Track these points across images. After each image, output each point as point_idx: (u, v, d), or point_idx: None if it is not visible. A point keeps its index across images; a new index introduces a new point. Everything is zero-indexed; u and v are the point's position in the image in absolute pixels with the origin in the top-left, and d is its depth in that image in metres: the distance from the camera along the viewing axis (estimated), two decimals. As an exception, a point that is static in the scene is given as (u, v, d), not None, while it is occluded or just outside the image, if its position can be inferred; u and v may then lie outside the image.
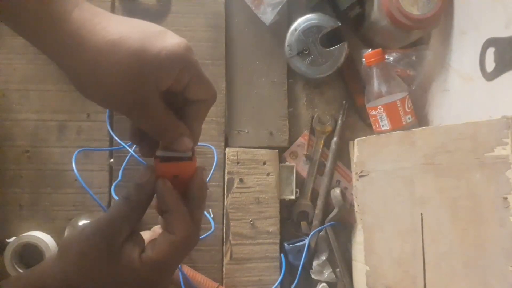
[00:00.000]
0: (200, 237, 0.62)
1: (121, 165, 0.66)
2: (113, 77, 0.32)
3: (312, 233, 0.69)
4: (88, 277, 0.33)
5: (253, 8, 0.69)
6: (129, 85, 0.32)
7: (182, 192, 0.37)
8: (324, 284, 0.68)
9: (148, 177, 0.36)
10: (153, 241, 0.36)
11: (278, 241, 0.68)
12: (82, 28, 0.32)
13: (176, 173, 0.37)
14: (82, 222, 0.62)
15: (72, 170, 0.66)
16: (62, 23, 0.32)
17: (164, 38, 0.34)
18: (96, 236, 0.34)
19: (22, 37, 0.33)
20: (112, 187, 0.64)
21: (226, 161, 0.69)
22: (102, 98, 0.34)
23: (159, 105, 0.34)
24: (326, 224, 0.69)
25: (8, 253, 0.61)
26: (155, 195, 0.37)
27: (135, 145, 0.65)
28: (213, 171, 0.66)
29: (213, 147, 0.67)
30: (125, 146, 0.64)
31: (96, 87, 0.33)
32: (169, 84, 0.34)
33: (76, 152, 0.61)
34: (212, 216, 0.67)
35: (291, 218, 0.72)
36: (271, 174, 0.69)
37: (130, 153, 0.64)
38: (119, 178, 0.65)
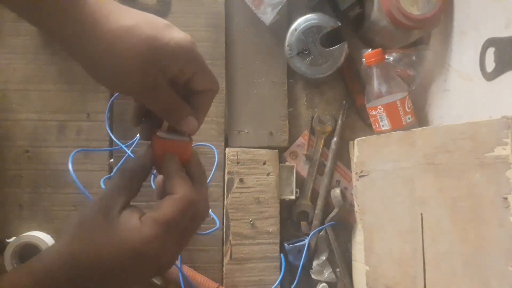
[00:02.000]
0: (205, 232, 0.62)
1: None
2: (127, 60, 0.34)
3: (312, 233, 0.69)
4: (90, 246, 0.34)
5: (253, 8, 0.69)
6: (141, 69, 0.35)
7: None
8: (324, 284, 0.68)
9: (145, 151, 0.39)
10: (154, 205, 0.36)
11: (278, 241, 0.68)
12: (99, 12, 0.34)
13: (172, 150, 0.38)
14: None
15: (73, 170, 0.66)
16: (81, 7, 0.34)
17: (171, 31, 0.37)
18: (92, 208, 0.35)
19: (35, 23, 0.35)
20: (101, 181, 0.64)
21: (226, 161, 0.69)
22: (115, 81, 0.36)
23: (167, 88, 0.37)
24: (326, 224, 0.69)
25: (8, 253, 0.61)
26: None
27: (132, 146, 0.65)
28: (214, 170, 0.66)
29: (214, 147, 0.67)
30: (123, 146, 0.64)
31: (110, 70, 0.35)
32: (175, 73, 0.37)
33: (73, 153, 0.61)
34: (212, 216, 0.67)
35: (291, 218, 0.72)
36: (271, 174, 0.69)
37: (127, 154, 0.64)
38: (112, 174, 0.66)
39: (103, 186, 0.63)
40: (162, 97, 0.37)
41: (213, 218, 0.67)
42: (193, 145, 0.40)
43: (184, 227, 0.36)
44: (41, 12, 0.34)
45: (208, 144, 0.68)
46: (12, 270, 0.36)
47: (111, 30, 0.34)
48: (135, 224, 0.34)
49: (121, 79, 0.36)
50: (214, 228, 0.64)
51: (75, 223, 0.35)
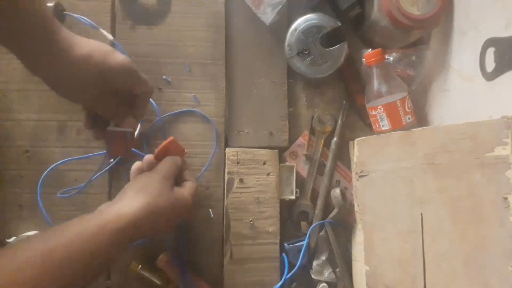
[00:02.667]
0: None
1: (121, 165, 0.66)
2: (85, 78, 0.49)
3: (311, 227, 0.69)
4: (163, 201, 0.52)
5: (253, 8, 0.69)
6: (95, 84, 0.50)
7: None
8: (324, 284, 0.68)
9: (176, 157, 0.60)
10: (182, 185, 0.58)
11: (278, 241, 0.68)
12: (67, 44, 0.47)
13: (120, 139, 0.58)
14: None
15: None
16: (53, 41, 0.46)
17: (116, 55, 0.51)
18: (155, 179, 0.53)
19: (12, 49, 0.46)
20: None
21: (226, 161, 0.69)
22: (75, 94, 0.51)
23: (112, 98, 0.54)
24: (325, 220, 0.69)
25: (8, 253, 0.61)
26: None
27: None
28: (210, 159, 0.66)
29: (212, 121, 0.67)
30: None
31: (72, 86, 0.49)
32: (119, 85, 0.53)
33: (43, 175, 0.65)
34: (212, 216, 0.67)
35: (291, 218, 0.72)
36: (271, 174, 0.69)
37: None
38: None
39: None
40: (109, 104, 0.54)
41: (212, 217, 0.67)
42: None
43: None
44: (20, 44, 0.45)
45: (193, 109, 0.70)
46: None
47: (75, 57, 0.47)
48: (185, 193, 0.56)
49: (80, 92, 0.50)
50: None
51: (141, 187, 0.52)
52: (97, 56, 0.49)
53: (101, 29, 0.67)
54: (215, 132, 0.68)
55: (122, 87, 0.53)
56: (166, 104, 0.68)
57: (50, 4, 0.64)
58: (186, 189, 0.56)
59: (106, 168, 0.66)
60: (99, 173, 0.66)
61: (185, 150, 0.61)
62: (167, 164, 0.56)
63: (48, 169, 0.65)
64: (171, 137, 0.59)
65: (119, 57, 0.51)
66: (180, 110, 0.69)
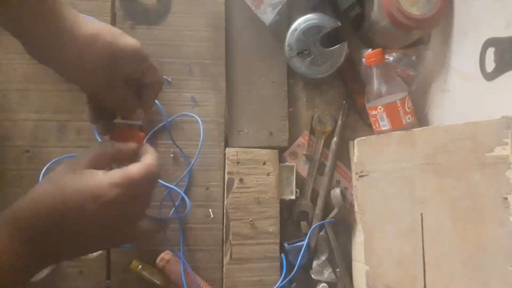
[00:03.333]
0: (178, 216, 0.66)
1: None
2: (94, 60, 0.43)
3: (311, 228, 0.69)
4: (56, 191, 0.40)
5: (253, 8, 0.69)
6: (103, 68, 0.44)
7: None
8: (324, 284, 0.68)
9: (109, 141, 0.49)
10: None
11: (278, 241, 0.68)
12: (73, 22, 0.42)
13: (130, 138, 0.49)
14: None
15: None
16: (58, 18, 0.41)
17: (126, 37, 0.46)
18: (63, 164, 0.44)
19: (13, 32, 0.42)
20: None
21: (226, 161, 0.69)
22: (83, 78, 0.45)
23: (122, 85, 0.47)
24: (326, 220, 0.69)
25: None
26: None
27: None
28: (201, 145, 0.67)
29: (197, 117, 0.68)
30: None
31: (79, 69, 0.43)
32: (130, 71, 0.47)
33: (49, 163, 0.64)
34: (212, 216, 0.67)
35: (291, 218, 0.72)
36: (271, 174, 0.69)
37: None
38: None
39: None
40: (119, 92, 0.47)
41: (212, 217, 0.67)
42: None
43: (145, 188, 0.45)
44: (22, 23, 0.40)
45: (190, 114, 0.69)
46: None
47: (82, 36, 0.42)
48: (100, 174, 0.42)
49: (88, 77, 0.44)
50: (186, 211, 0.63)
51: (47, 178, 0.42)
52: (105, 36, 0.43)
53: None
54: (201, 132, 0.68)
55: (133, 73, 0.48)
56: (166, 104, 0.68)
57: None
58: (108, 176, 0.41)
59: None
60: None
61: (142, 134, 0.51)
62: (89, 150, 0.46)
63: (49, 164, 0.64)
64: (115, 125, 0.51)
65: (129, 40, 0.46)
66: (176, 115, 0.68)
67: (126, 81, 0.47)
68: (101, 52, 0.43)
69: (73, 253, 0.45)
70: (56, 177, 0.42)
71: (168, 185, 0.65)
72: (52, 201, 0.40)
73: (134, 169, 0.43)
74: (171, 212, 0.65)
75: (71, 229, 0.41)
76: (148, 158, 0.45)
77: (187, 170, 0.67)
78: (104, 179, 0.41)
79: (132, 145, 0.48)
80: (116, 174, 0.42)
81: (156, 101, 0.66)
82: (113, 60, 0.44)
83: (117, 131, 0.50)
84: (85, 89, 0.48)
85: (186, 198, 0.62)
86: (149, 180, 0.44)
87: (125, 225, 0.44)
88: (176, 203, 0.66)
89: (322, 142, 0.72)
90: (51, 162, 0.65)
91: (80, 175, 0.41)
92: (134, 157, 0.47)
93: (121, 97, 0.48)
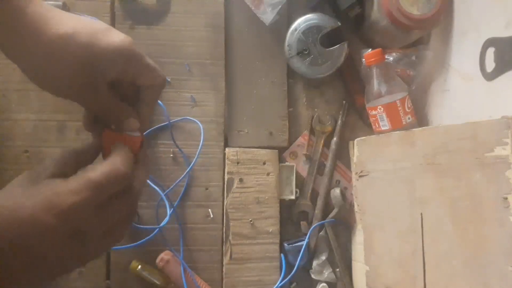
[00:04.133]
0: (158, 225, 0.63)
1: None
2: (66, 67, 0.36)
3: (311, 228, 0.69)
4: (8, 203, 0.34)
5: (253, 8, 0.69)
6: (80, 74, 0.37)
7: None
8: (324, 284, 0.68)
9: (92, 140, 0.42)
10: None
11: (278, 241, 0.68)
12: (38, 21, 0.35)
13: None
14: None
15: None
16: (19, 17, 0.35)
17: (110, 35, 0.38)
18: (22, 175, 0.37)
19: None
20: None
21: (226, 161, 0.69)
22: (57, 87, 0.38)
23: (106, 92, 0.39)
24: (326, 220, 0.69)
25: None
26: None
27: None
28: (201, 147, 0.66)
29: (198, 122, 0.67)
30: None
31: (52, 77, 0.37)
32: (115, 74, 0.39)
33: None
34: (212, 216, 0.67)
35: (291, 218, 0.72)
36: (271, 174, 0.69)
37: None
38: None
39: None
40: (102, 100, 0.40)
41: (211, 217, 0.67)
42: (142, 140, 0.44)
43: (111, 198, 0.36)
44: None
45: (192, 119, 0.68)
46: None
47: (51, 38, 0.35)
48: (58, 182, 0.35)
49: (62, 85, 0.38)
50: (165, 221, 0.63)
51: (6, 187, 0.36)
52: (82, 36, 0.36)
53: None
54: (202, 134, 0.68)
55: (121, 77, 0.40)
56: (166, 104, 0.68)
57: (58, 3, 0.64)
58: (65, 183, 0.35)
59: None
60: None
61: (136, 136, 0.43)
62: (51, 158, 0.39)
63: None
64: (104, 131, 0.43)
65: (114, 38, 0.38)
66: (179, 118, 0.68)
67: (115, 85, 0.41)
68: (75, 55, 0.36)
69: (36, 280, 0.35)
70: (10, 190, 0.35)
71: (155, 187, 0.64)
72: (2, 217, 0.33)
73: (95, 171, 0.35)
74: (170, 212, 0.65)
75: (26, 253, 0.33)
76: (114, 158, 0.38)
77: (187, 171, 0.67)
78: (60, 186, 0.34)
79: (94, 142, 0.42)
80: (75, 179, 0.35)
81: (159, 101, 0.65)
82: (91, 63, 0.37)
83: (104, 137, 0.42)
84: (62, 96, 0.41)
85: (166, 202, 0.63)
86: (115, 182, 0.36)
87: (93, 238, 0.36)
88: (175, 203, 0.66)
89: (322, 142, 0.72)
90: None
91: (37, 188, 0.34)
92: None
93: (104, 105, 0.40)
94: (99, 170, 0.36)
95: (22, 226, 0.33)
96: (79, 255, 0.36)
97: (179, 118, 0.68)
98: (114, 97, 0.41)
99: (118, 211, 0.38)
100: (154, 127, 0.68)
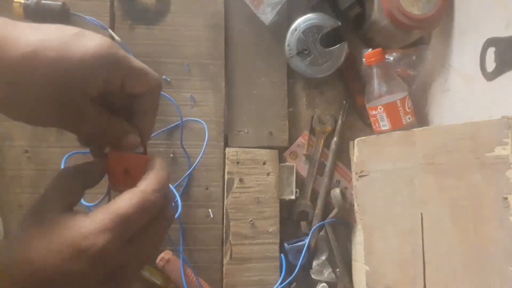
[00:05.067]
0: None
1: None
2: (36, 90, 0.30)
3: (313, 228, 0.69)
4: (20, 255, 0.29)
5: (252, 8, 0.69)
6: (54, 96, 0.31)
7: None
8: (324, 284, 0.68)
9: (97, 160, 0.36)
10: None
11: (278, 241, 0.68)
12: None
13: (126, 166, 0.36)
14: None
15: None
16: None
17: (83, 42, 0.31)
18: (25, 215, 0.31)
19: None
20: (64, 158, 0.64)
21: (226, 161, 0.69)
22: (30, 115, 0.32)
23: (91, 110, 0.33)
24: (326, 220, 0.69)
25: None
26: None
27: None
28: (205, 146, 0.66)
29: (204, 123, 0.67)
30: None
31: (20, 104, 0.31)
32: (99, 87, 0.32)
33: (67, 155, 0.63)
34: (212, 216, 0.67)
35: (291, 218, 0.72)
36: (271, 174, 0.69)
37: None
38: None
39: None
40: (89, 121, 0.33)
41: (212, 217, 0.67)
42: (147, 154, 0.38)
43: (143, 227, 0.32)
44: None
45: (199, 120, 0.68)
46: None
47: (13, 62, 0.29)
48: (77, 220, 0.30)
49: (36, 113, 0.31)
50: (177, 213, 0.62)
51: (14, 230, 0.31)
52: (48, 51, 0.30)
53: (109, 30, 0.67)
54: (206, 134, 0.68)
55: (107, 88, 0.33)
56: (166, 104, 0.68)
57: (58, 3, 0.64)
58: (90, 220, 0.30)
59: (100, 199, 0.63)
60: (98, 201, 0.63)
61: (145, 155, 0.38)
62: (53, 183, 0.33)
63: (67, 155, 0.64)
64: (110, 152, 0.36)
65: (88, 43, 0.31)
66: (184, 119, 0.69)
67: (106, 98, 0.35)
68: (43, 76, 0.30)
69: None
70: (17, 238, 0.30)
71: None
72: (18, 273, 0.28)
73: (123, 203, 0.31)
74: (179, 210, 0.65)
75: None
76: (145, 183, 0.33)
77: (189, 171, 0.66)
78: (85, 225, 0.29)
79: (98, 162, 0.36)
80: (101, 215, 0.30)
81: (171, 98, 0.64)
82: (65, 80, 0.30)
83: (108, 161, 0.36)
84: (43, 126, 0.35)
85: (180, 200, 0.62)
86: (147, 213, 0.32)
87: (127, 274, 0.32)
88: (174, 203, 0.66)
89: (322, 142, 0.72)
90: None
91: (55, 231, 0.29)
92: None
93: (93, 125, 0.34)
94: (128, 200, 0.31)
95: (50, 282, 0.28)
96: (109, 281, 0.31)
97: (184, 119, 0.68)
98: (103, 114, 0.34)
99: (151, 240, 0.34)
100: (168, 127, 0.68)
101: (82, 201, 0.61)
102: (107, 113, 0.34)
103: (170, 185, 0.64)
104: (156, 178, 0.33)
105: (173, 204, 0.38)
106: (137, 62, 0.34)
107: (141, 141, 0.37)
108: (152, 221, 0.33)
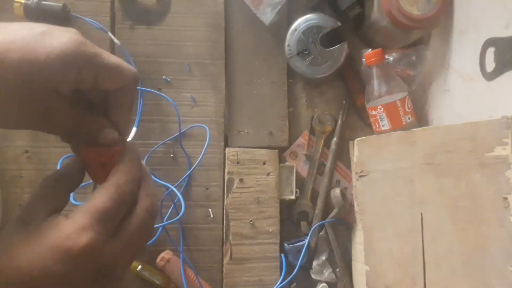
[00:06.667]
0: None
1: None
2: (6, 97, 0.29)
3: (312, 228, 0.69)
4: (9, 261, 0.29)
5: (252, 8, 0.69)
6: (23, 100, 0.30)
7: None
8: (324, 284, 0.68)
9: (73, 160, 0.36)
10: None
11: (278, 241, 0.68)
12: None
13: (100, 160, 0.36)
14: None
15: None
16: None
17: (50, 40, 0.30)
18: (10, 224, 0.31)
19: None
20: (60, 160, 0.64)
21: (226, 161, 0.69)
22: (5, 122, 0.32)
23: (62, 109, 0.32)
24: (326, 220, 0.69)
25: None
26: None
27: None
28: (206, 148, 0.66)
29: (206, 127, 0.67)
30: None
31: None
32: (70, 86, 0.32)
33: (63, 158, 0.63)
34: (212, 216, 0.67)
35: (291, 218, 0.72)
36: (271, 174, 0.69)
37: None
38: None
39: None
40: (61, 121, 0.33)
41: (212, 217, 0.67)
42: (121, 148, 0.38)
43: (125, 221, 0.32)
44: None
45: (202, 125, 0.68)
46: None
47: None
48: (59, 223, 0.30)
49: (5, 116, 0.31)
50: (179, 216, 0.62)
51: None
52: (12, 53, 0.29)
53: (109, 33, 0.67)
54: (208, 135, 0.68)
55: (79, 86, 0.32)
56: (166, 105, 0.68)
57: (58, 5, 0.64)
58: (70, 220, 0.30)
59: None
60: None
61: (117, 147, 0.36)
62: (38, 186, 0.33)
63: (64, 157, 0.64)
64: (81, 149, 0.36)
65: (54, 42, 0.30)
66: (188, 126, 0.68)
67: (82, 93, 0.35)
68: (7, 80, 0.29)
69: None
70: (4, 245, 0.29)
71: (167, 184, 0.65)
72: (7, 279, 0.28)
73: (99, 198, 0.31)
74: (169, 210, 0.65)
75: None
76: (116, 175, 0.33)
77: (189, 171, 0.67)
78: (66, 226, 0.29)
79: (76, 160, 0.36)
80: (79, 213, 0.30)
81: (171, 101, 0.64)
82: (32, 82, 0.30)
83: (82, 156, 0.36)
84: (13, 128, 0.34)
85: (182, 200, 0.62)
86: (123, 202, 0.32)
87: (116, 269, 0.32)
88: (174, 202, 0.66)
89: (322, 142, 0.72)
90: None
91: (39, 235, 0.29)
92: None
93: (68, 124, 0.34)
94: (103, 195, 0.31)
95: (38, 285, 0.28)
96: (96, 278, 0.31)
97: (188, 127, 0.68)
98: (76, 111, 0.34)
99: (136, 232, 0.33)
100: (169, 138, 0.68)
101: (78, 202, 0.61)
102: (80, 109, 0.34)
103: (171, 186, 0.64)
104: (126, 167, 0.34)
105: (158, 197, 0.37)
106: (111, 58, 0.33)
107: (120, 135, 0.37)
108: (131, 212, 0.33)
